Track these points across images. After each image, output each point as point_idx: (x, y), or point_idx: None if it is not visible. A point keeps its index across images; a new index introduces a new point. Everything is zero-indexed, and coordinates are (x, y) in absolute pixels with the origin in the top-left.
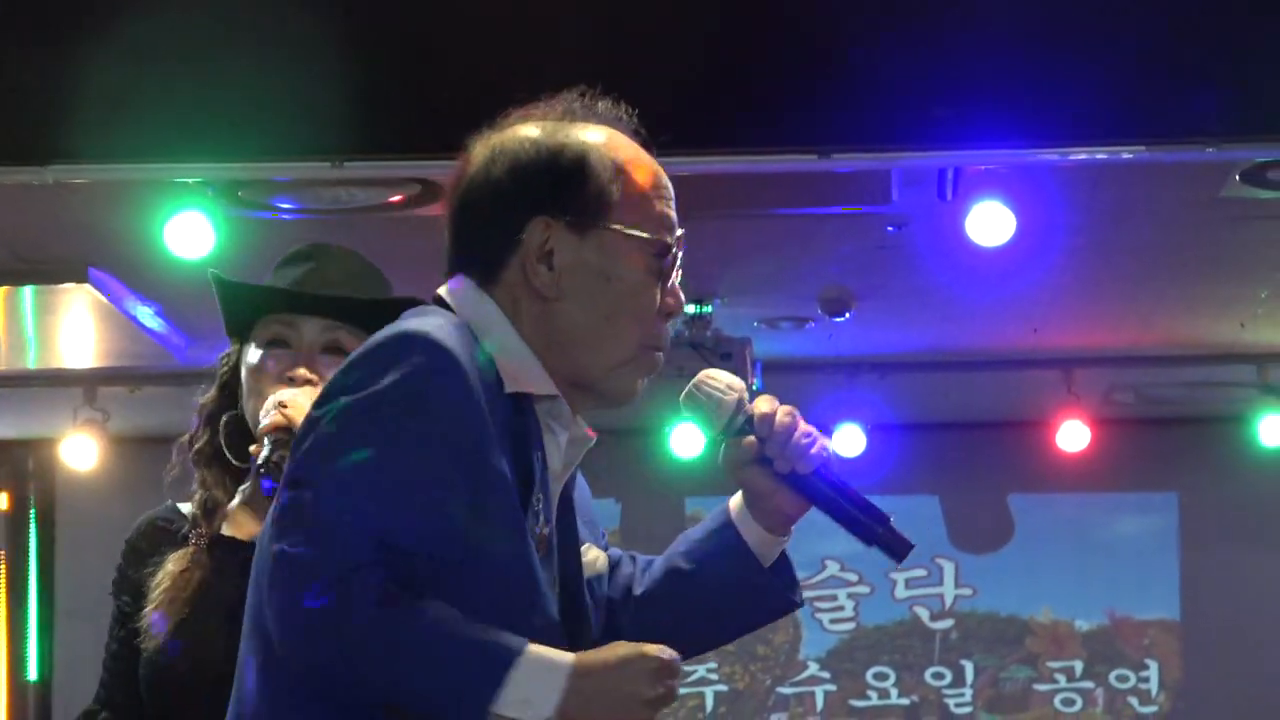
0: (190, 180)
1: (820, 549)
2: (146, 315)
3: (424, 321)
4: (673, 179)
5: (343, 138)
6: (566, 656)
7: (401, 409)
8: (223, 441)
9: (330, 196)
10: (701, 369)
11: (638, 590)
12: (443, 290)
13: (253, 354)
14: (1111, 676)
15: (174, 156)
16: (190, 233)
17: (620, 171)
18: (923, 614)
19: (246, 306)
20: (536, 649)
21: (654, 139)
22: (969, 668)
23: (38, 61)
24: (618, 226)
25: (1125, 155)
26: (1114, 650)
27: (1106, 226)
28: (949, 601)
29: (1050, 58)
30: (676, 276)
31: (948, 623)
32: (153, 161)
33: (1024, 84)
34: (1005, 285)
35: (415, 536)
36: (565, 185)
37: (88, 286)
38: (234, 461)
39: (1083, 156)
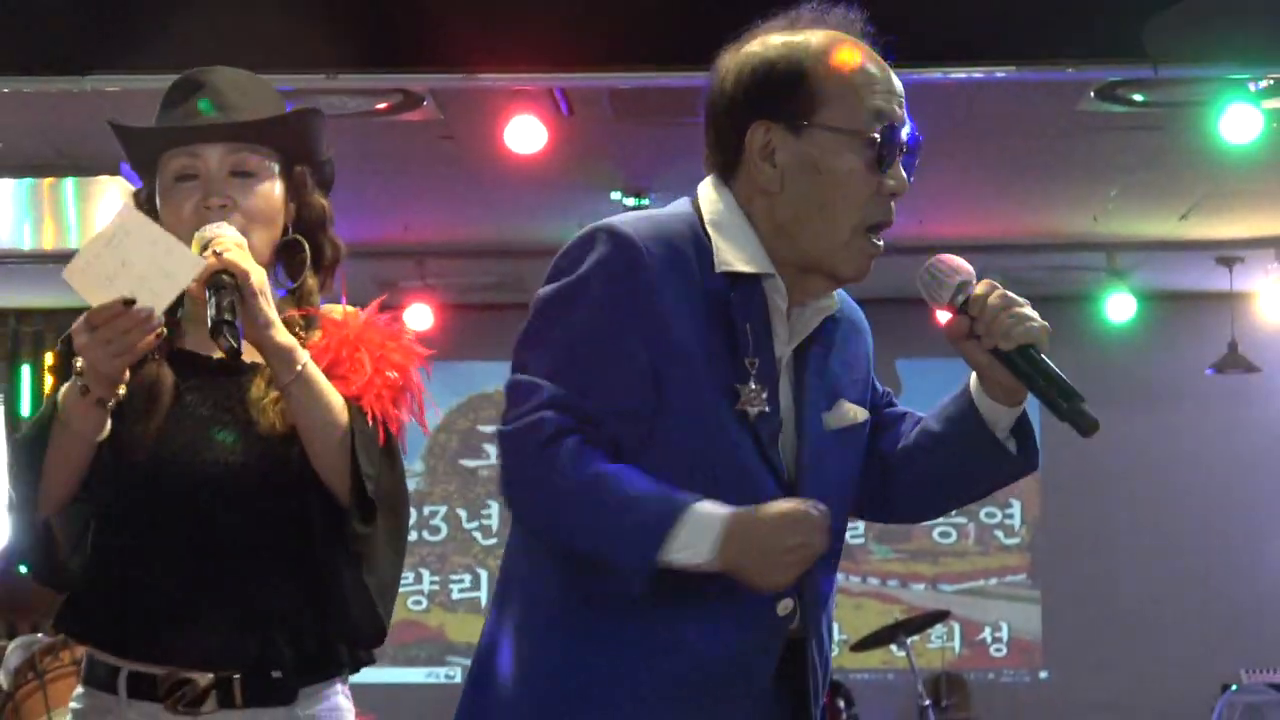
0: None
1: None
2: None
3: (627, 215)
4: (614, 91)
5: (335, 53)
6: (725, 509)
7: (589, 294)
8: None
9: (324, 104)
10: None
11: (899, 445)
12: (700, 189)
13: (165, 189)
14: (981, 513)
15: (190, 69)
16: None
17: (831, 72)
18: None
19: (150, 146)
20: (703, 504)
21: (593, 55)
22: None
23: None
24: (827, 124)
25: (997, 74)
26: None
27: (981, 134)
28: None
29: None
30: (898, 161)
31: None
32: (172, 73)
33: (910, 10)
34: None
35: (604, 404)
36: (780, 90)
37: (119, 178)
38: None
39: (961, 75)
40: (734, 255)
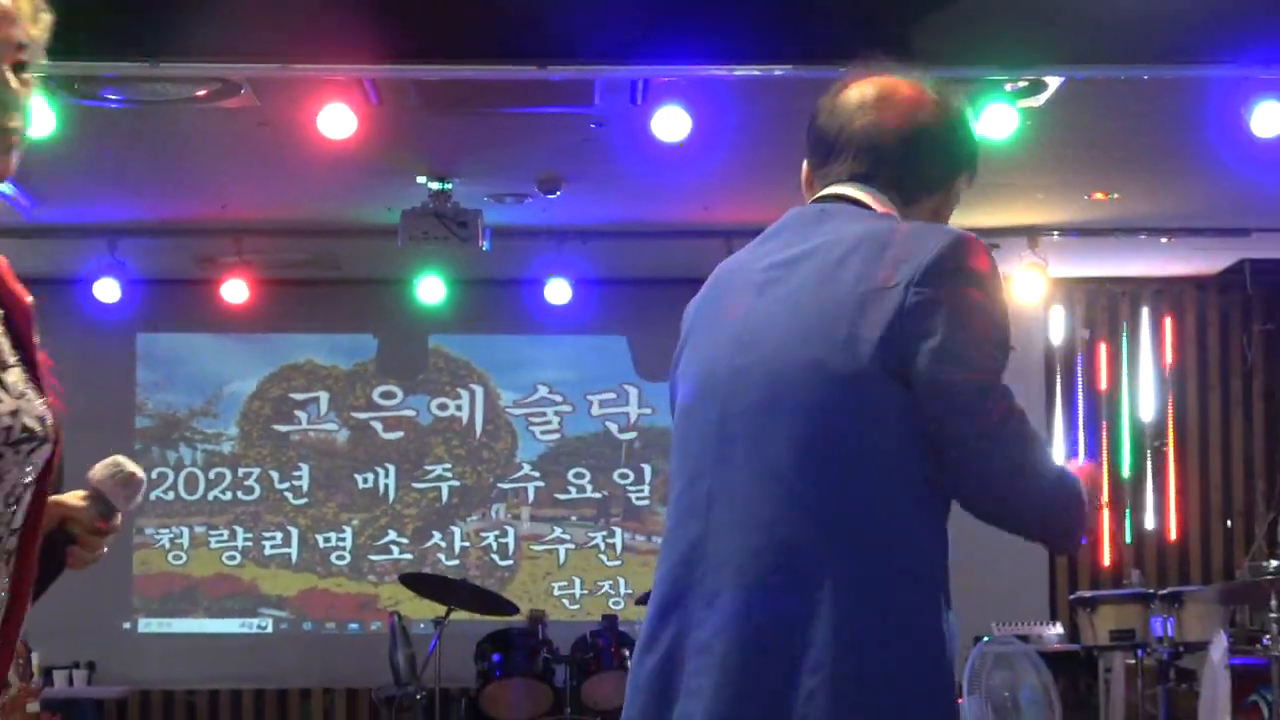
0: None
1: (535, 376)
2: None
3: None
4: (424, 83)
5: (159, 42)
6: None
7: (999, 296)
8: None
9: (149, 90)
10: (441, 233)
11: None
12: (863, 196)
13: None
14: None
15: None
16: (34, 116)
17: None
18: (613, 428)
19: None
20: None
21: (401, 49)
22: (648, 469)
23: None
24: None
25: (777, 72)
26: None
27: (764, 126)
28: (633, 418)
29: None
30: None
31: (632, 435)
32: None
33: (701, 13)
34: (683, 171)
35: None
36: (972, 150)
37: None
38: None
39: (743, 73)
40: None
